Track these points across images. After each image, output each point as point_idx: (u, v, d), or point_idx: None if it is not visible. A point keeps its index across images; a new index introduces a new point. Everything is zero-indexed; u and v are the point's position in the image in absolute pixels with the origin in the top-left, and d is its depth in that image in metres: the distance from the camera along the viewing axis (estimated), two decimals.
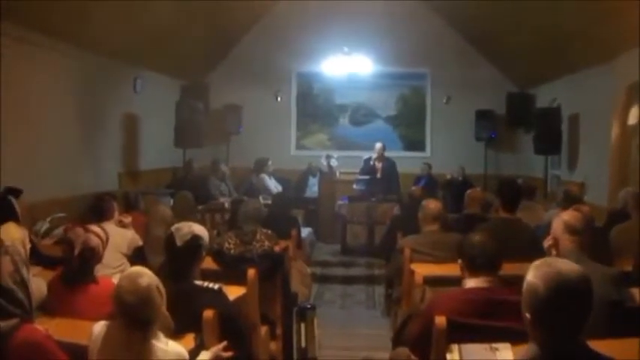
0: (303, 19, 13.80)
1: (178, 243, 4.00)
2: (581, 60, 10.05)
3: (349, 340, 7.47)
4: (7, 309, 3.00)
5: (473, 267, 3.89)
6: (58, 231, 6.66)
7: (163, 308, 3.20)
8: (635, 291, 4.26)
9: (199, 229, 4.14)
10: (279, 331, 6.28)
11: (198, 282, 4.05)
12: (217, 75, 14.57)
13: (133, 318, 3.09)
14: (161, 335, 3.19)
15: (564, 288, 2.34)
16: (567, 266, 2.41)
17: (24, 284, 3.12)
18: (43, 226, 7.10)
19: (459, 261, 4.03)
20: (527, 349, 2.47)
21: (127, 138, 11.14)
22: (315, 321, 6.78)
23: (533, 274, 2.41)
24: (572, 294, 2.35)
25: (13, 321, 3.00)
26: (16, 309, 3.03)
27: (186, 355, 3.28)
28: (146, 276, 3.16)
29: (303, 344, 6.62)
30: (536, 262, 2.49)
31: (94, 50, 9.26)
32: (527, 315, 2.43)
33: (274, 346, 6.15)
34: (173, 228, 4.11)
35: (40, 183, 7.69)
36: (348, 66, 12.74)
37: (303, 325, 6.63)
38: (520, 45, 11.78)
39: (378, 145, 12.63)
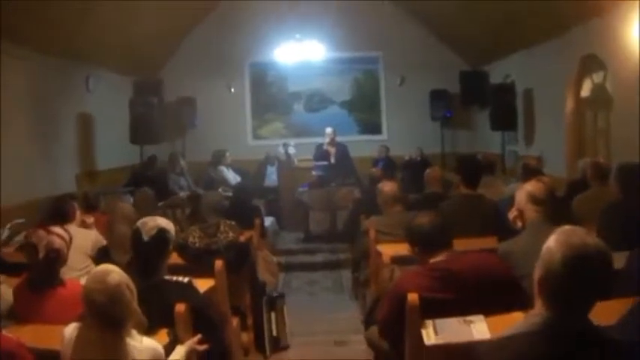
0: (253, 9, 13.76)
1: (145, 238, 3.94)
2: (533, 35, 10.15)
3: (319, 326, 7.51)
4: None
5: (430, 249, 3.93)
6: (19, 237, 6.54)
7: (135, 305, 3.16)
8: None
9: (165, 223, 4.09)
10: (249, 321, 6.30)
11: (167, 276, 4.02)
12: (169, 69, 14.42)
13: (105, 317, 3.05)
14: (134, 333, 3.16)
15: (583, 261, 2.24)
16: (591, 240, 2.29)
17: None
18: (3, 233, 6.98)
19: (414, 248, 4.08)
20: (529, 318, 2.39)
21: (82, 138, 10.99)
22: (285, 309, 6.80)
23: (555, 239, 2.32)
24: (590, 268, 2.25)
25: None
26: None
27: (162, 351, 3.26)
28: (114, 273, 3.12)
29: (274, 333, 6.64)
30: (562, 228, 2.38)
31: (43, 51, 9.10)
32: (539, 279, 2.34)
33: (246, 337, 6.18)
34: (139, 223, 4.06)
35: None
36: (300, 53, 12.67)
37: (273, 314, 6.65)
38: (471, 23, 11.85)
39: (329, 130, 12.65)
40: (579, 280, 2.25)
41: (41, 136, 9.43)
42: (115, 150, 12.07)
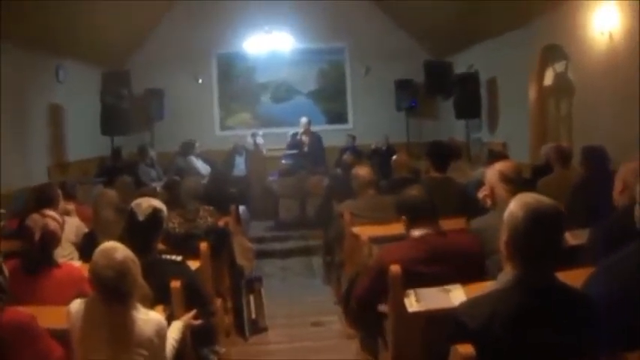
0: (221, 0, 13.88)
1: (140, 218, 4.10)
2: (496, 26, 10.41)
3: (295, 309, 7.72)
4: None
5: (415, 218, 4.13)
6: None
7: (140, 279, 3.33)
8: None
9: (158, 203, 4.26)
10: (229, 304, 6.46)
11: (161, 255, 4.19)
12: (137, 61, 14.42)
13: (112, 292, 3.20)
14: (140, 307, 3.32)
15: (541, 216, 2.57)
16: (545, 200, 2.65)
17: None
18: None
19: (402, 217, 4.25)
20: (500, 278, 2.70)
21: (53, 129, 11.05)
22: (263, 292, 6.99)
23: (514, 204, 2.66)
24: (547, 223, 2.58)
25: None
26: None
27: (165, 323, 3.42)
28: (120, 249, 3.29)
29: (253, 316, 6.82)
30: (518, 195, 2.74)
31: (13, 42, 9.11)
32: (505, 241, 2.66)
33: (227, 320, 6.33)
34: (133, 204, 4.22)
35: None
36: (268, 44, 12.82)
37: (252, 297, 6.83)
38: (435, 14, 12.04)
39: (304, 120, 12.90)
40: (540, 233, 2.59)
41: (12, 128, 9.43)
42: (85, 141, 12.16)
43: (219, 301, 5.76)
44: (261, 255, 10.42)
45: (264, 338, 6.75)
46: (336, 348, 6.15)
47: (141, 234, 4.10)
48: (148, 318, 3.30)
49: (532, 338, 2.49)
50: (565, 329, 2.53)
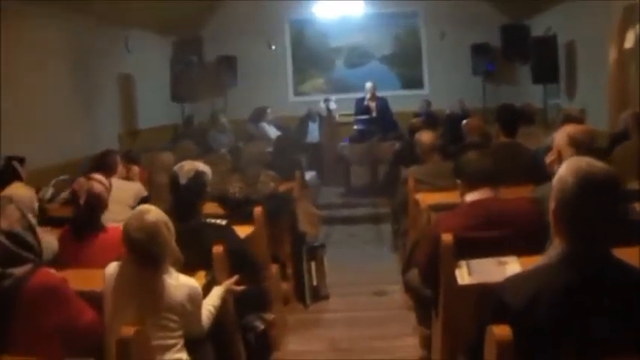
0: None
1: (182, 181, 4.01)
2: None
3: (360, 277, 7.57)
4: (20, 255, 3.00)
5: (472, 181, 3.94)
6: (64, 194, 6.65)
7: (173, 243, 3.24)
8: (636, 206, 4.28)
9: (202, 166, 4.16)
10: (289, 270, 6.37)
11: (206, 219, 4.09)
12: (208, 28, 14.37)
13: (143, 254, 3.14)
14: (172, 271, 3.24)
15: (594, 182, 2.27)
16: (600, 164, 2.34)
17: (32, 229, 3.13)
18: (48, 191, 7.08)
19: (458, 181, 4.08)
20: (549, 252, 2.42)
21: (123, 98, 11.08)
22: (325, 259, 6.86)
23: (565, 167, 2.35)
24: (602, 190, 2.27)
25: (28, 266, 3.01)
26: (28, 254, 3.04)
27: (198, 288, 3.32)
28: (153, 212, 3.20)
29: (314, 282, 6.71)
30: (570, 158, 2.45)
31: (83, 12, 9.14)
32: (553, 209, 2.36)
33: (286, 286, 6.24)
34: (176, 167, 4.13)
35: (38, 149, 7.57)
36: (340, 8, 12.62)
37: (313, 264, 6.70)
38: None
39: (369, 85, 12.60)
40: (592, 200, 2.27)
41: (83, 97, 9.53)
42: (156, 109, 12.19)
43: (274, 268, 5.66)
44: (331, 221, 10.33)
45: (324, 306, 6.65)
46: (395, 319, 6.02)
47: (183, 197, 4.03)
48: (179, 283, 3.23)
49: (580, 322, 2.21)
50: (619, 314, 2.23)
